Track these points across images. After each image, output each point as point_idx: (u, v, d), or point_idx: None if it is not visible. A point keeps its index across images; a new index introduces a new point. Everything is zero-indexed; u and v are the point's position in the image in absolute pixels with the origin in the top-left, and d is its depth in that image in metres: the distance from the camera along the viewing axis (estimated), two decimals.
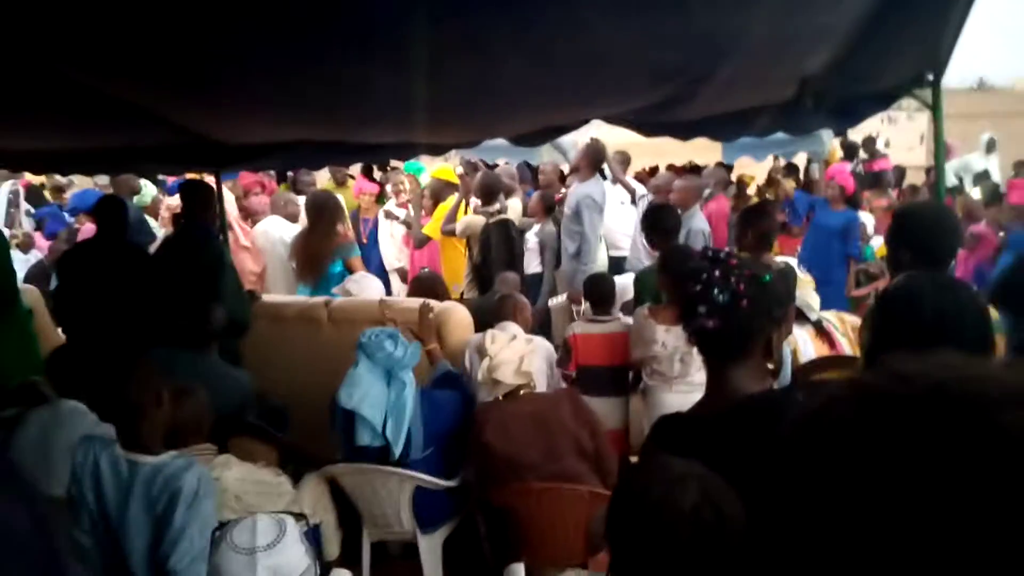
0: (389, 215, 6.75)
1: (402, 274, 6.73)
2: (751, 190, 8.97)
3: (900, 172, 10.26)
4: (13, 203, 8.87)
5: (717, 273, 1.58)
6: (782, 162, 10.41)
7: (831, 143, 9.10)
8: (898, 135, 12.57)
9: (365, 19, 2.18)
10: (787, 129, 3.86)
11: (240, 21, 2.19)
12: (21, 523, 0.64)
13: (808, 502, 0.58)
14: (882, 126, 11.56)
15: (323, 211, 5.28)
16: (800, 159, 10.24)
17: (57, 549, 0.70)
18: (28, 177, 9.11)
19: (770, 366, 1.71)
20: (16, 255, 7.01)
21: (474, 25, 2.24)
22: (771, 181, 9.62)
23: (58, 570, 0.68)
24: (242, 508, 2.62)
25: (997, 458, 0.50)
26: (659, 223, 4.26)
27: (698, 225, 5.62)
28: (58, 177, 8.73)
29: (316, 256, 5.21)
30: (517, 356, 3.16)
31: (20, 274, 5.85)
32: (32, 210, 9.18)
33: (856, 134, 10.01)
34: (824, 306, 4.77)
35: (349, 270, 5.13)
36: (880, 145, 11.23)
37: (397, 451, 3.10)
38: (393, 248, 6.89)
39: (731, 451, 1.44)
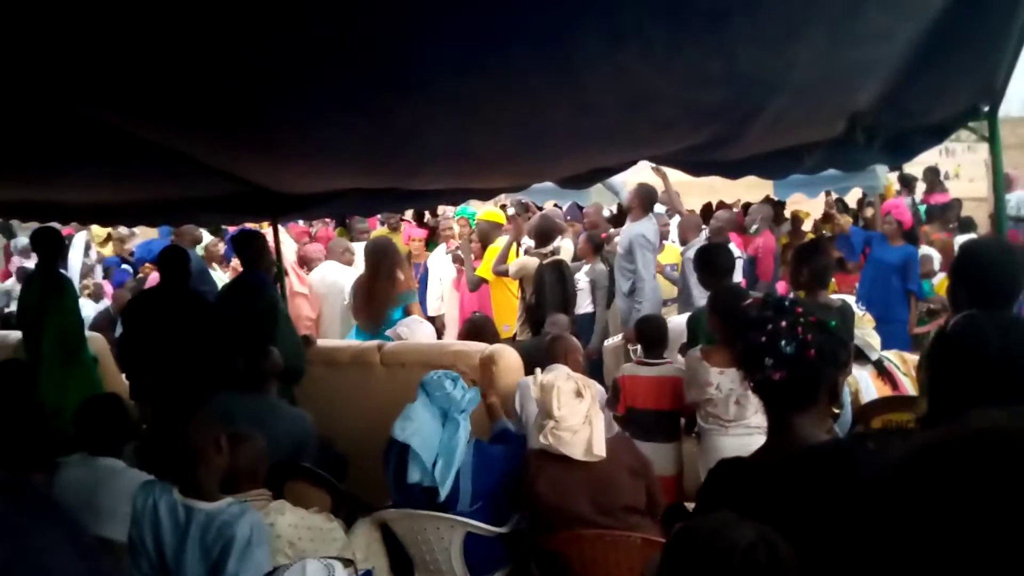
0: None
1: (439, 322, 6.77)
2: (807, 226, 8.82)
3: (958, 205, 9.99)
4: (86, 253, 9.26)
5: (783, 324, 1.53)
6: (834, 197, 10.23)
7: (885, 177, 8.92)
8: (954, 167, 12.26)
9: (414, 70, 2.24)
10: (838, 165, 3.80)
11: (291, 74, 2.27)
12: (73, 567, 0.65)
13: (898, 551, 0.59)
14: (940, 158, 11.30)
15: (384, 257, 5.34)
16: (853, 195, 10.07)
17: None
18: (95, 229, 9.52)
19: (835, 410, 1.68)
20: (87, 303, 7.30)
21: (517, 74, 2.28)
22: (827, 216, 9.44)
23: None
24: (295, 554, 2.63)
25: None
26: (711, 262, 4.20)
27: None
28: (122, 229, 9.07)
29: (380, 302, 5.24)
30: (585, 425, 2.98)
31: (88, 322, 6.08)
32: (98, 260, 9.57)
33: (914, 166, 9.81)
34: (885, 345, 4.63)
35: (408, 316, 5.19)
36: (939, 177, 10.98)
37: (444, 492, 3.07)
38: (435, 293, 6.95)
39: (798, 499, 1.41)
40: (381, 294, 5.22)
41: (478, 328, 4.76)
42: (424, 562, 3.30)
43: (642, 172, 5.69)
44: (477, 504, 3.15)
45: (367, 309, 5.31)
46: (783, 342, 1.51)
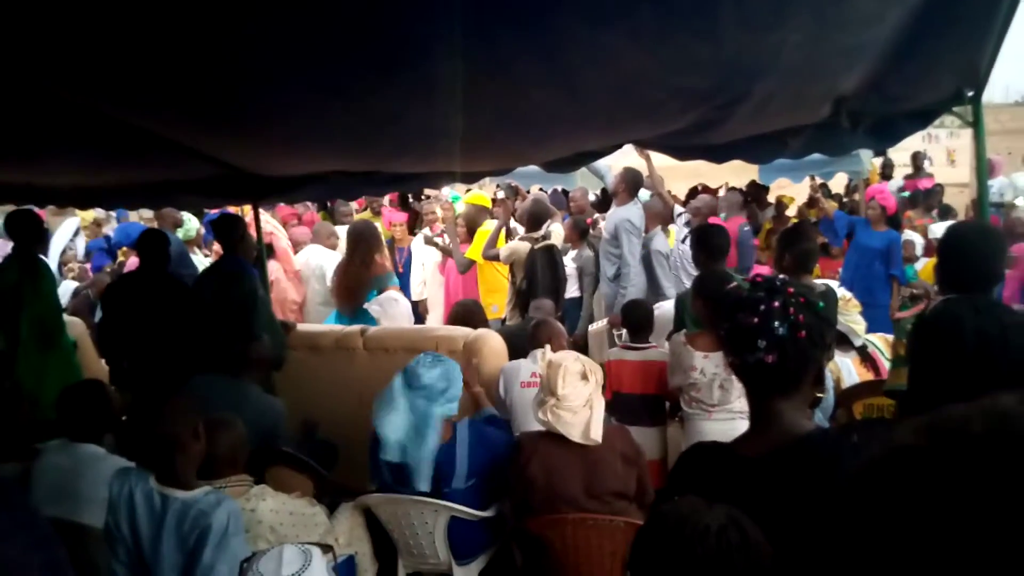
0: (429, 242, 6.78)
1: (422, 307, 6.77)
2: (791, 211, 8.85)
3: (940, 191, 10.05)
4: (72, 238, 9.15)
5: (776, 304, 1.48)
6: (819, 182, 10.28)
7: (870, 163, 8.96)
8: (940, 153, 12.30)
9: (394, 50, 2.21)
10: (824, 150, 3.79)
11: (272, 57, 2.23)
12: (37, 572, 0.63)
13: (877, 546, 0.59)
14: (923, 144, 11.34)
15: (360, 241, 5.35)
16: (838, 180, 10.10)
17: None
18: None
19: (819, 395, 1.65)
20: (69, 285, 7.21)
21: (503, 54, 2.25)
22: (812, 201, 9.48)
23: None
24: (276, 539, 2.61)
25: None
26: (708, 241, 4.17)
27: (657, 246, 5.96)
28: (99, 211, 8.95)
29: (354, 285, 5.26)
30: (586, 408, 2.98)
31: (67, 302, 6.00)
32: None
33: (897, 152, 9.85)
34: (869, 329, 4.65)
35: None
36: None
37: (420, 484, 3.06)
38: (418, 278, 6.93)
39: (782, 493, 1.40)
40: (356, 277, 5.23)
41: (467, 313, 4.75)
42: (408, 547, 3.30)
43: (628, 156, 5.69)
44: (471, 481, 3.15)
45: (343, 292, 5.33)
46: (776, 323, 1.47)
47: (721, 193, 8.91)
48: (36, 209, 4.96)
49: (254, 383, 3.75)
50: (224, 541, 2.19)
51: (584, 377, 3.04)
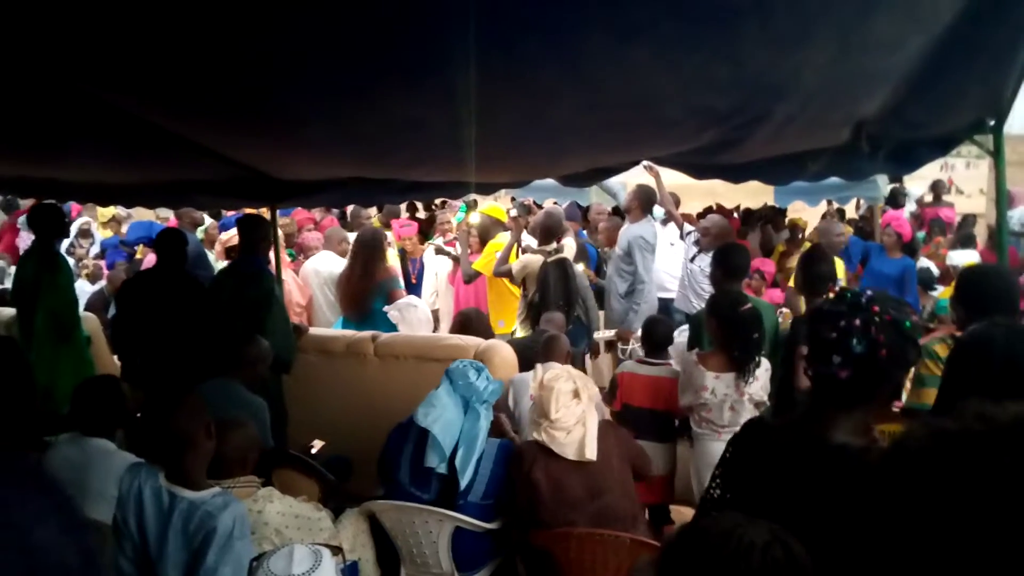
0: (440, 251, 6.80)
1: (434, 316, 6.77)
2: (808, 234, 8.82)
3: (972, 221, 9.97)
4: (84, 235, 9.23)
5: (857, 322, 1.47)
6: (835, 206, 10.24)
7: (886, 188, 8.93)
8: (957, 183, 12.24)
9: (416, 60, 2.22)
10: (841, 174, 3.79)
11: (294, 62, 2.26)
12: (72, 558, 0.64)
13: (894, 528, 0.63)
14: (940, 173, 11.29)
15: (362, 248, 5.37)
16: (852, 204, 10.08)
17: None
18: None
19: (895, 408, 1.67)
20: (84, 285, 7.26)
21: (524, 67, 2.27)
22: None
23: None
24: (281, 542, 2.61)
25: None
26: (727, 261, 4.13)
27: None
28: (118, 209, 9.02)
29: (357, 293, 5.28)
30: (579, 425, 3.04)
31: (82, 302, 6.04)
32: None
33: (912, 180, 9.81)
34: None
35: (392, 303, 5.19)
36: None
37: (464, 481, 3.10)
38: (430, 288, 6.95)
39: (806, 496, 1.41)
40: (358, 286, 5.25)
41: (469, 322, 4.75)
42: (411, 555, 3.29)
43: (640, 174, 5.70)
44: (487, 501, 3.18)
45: (347, 301, 5.38)
46: (854, 340, 1.46)
47: (735, 215, 8.89)
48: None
49: (243, 383, 3.68)
50: (229, 544, 2.18)
51: (576, 395, 3.12)
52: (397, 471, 3.23)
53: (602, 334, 5.89)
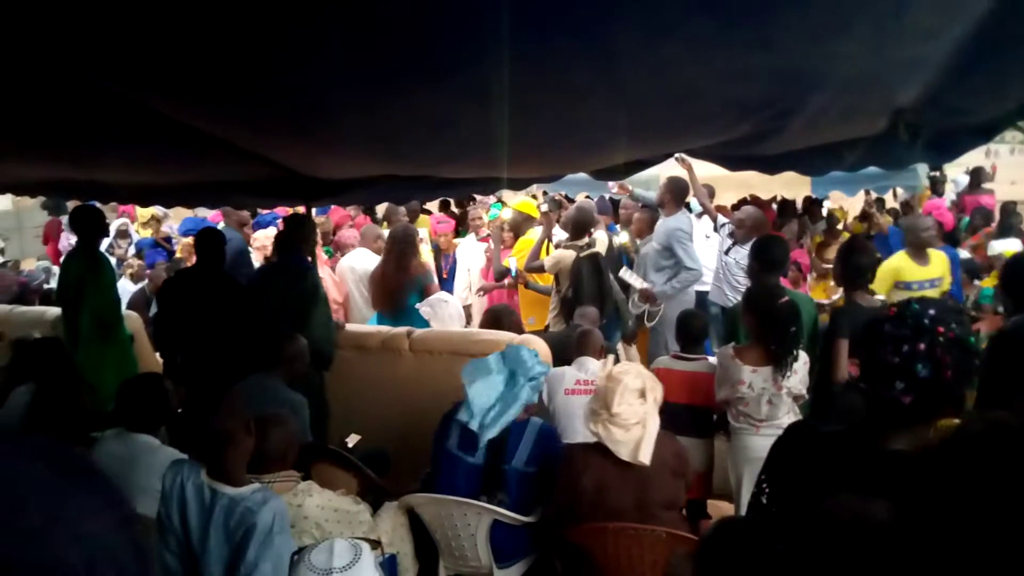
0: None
1: (467, 312, 6.78)
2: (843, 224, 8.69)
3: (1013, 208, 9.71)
4: (122, 235, 9.42)
5: (921, 346, 1.40)
6: (873, 196, 10.07)
7: (926, 177, 8.75)
8: (1001, 169, 11.96)
9: (448, 58, 2.23)
10: (880, 163, 3.72)
11: (326, 61, 2.28)
12: (124, 550, 0.65)
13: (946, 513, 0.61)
14: (984, 160, 11.03)
15: (395, 244, 5.41)
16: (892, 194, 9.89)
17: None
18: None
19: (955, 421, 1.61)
20: (126, 284, 7.41)
21: (556, 64, 2.26)
22: (865, 215, 9.29)
23: None
24: (321, 536, 2.66)
25: None
26: (765, 254, 4.11)
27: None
28: (157, 208, 9.18)
29: (391, 289, 5.32)
30: (639, 425, 2.94)
31: (124, 302, 6.17)
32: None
33: (953, 167, 9.59)
34: None
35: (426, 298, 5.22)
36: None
37: (485, 436, 3.16)
38: (463, 283, 6.96)
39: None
40: (391, 281, 5.28)
41: (499, 318, 4.76)
42: (449, 548, 3.32)
43: (672, 167, 5.68)
44: (531, 468, 3.24)
45: (381, 297, 5.42)
46: (919, 366, 1.40)
47: (773, 206, 8.77)
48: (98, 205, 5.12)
49: (283, 379, 3.75)
50: (268, 539, 2.22)
51: (642, 395, 2.99)
52: (447, 439, 3.32)
53: (633, 308, 5.89)
